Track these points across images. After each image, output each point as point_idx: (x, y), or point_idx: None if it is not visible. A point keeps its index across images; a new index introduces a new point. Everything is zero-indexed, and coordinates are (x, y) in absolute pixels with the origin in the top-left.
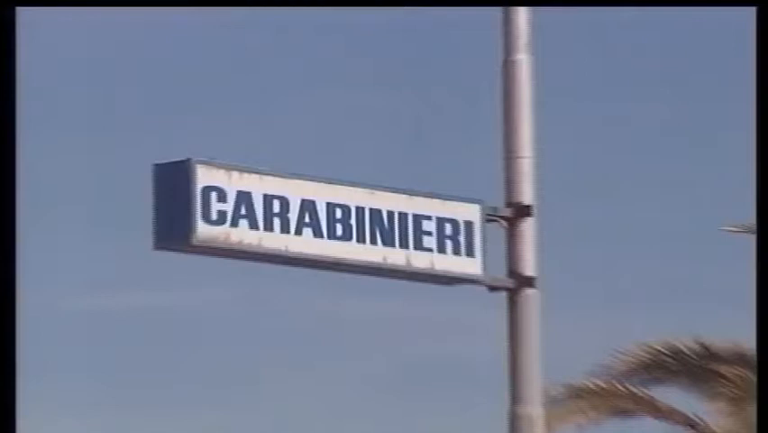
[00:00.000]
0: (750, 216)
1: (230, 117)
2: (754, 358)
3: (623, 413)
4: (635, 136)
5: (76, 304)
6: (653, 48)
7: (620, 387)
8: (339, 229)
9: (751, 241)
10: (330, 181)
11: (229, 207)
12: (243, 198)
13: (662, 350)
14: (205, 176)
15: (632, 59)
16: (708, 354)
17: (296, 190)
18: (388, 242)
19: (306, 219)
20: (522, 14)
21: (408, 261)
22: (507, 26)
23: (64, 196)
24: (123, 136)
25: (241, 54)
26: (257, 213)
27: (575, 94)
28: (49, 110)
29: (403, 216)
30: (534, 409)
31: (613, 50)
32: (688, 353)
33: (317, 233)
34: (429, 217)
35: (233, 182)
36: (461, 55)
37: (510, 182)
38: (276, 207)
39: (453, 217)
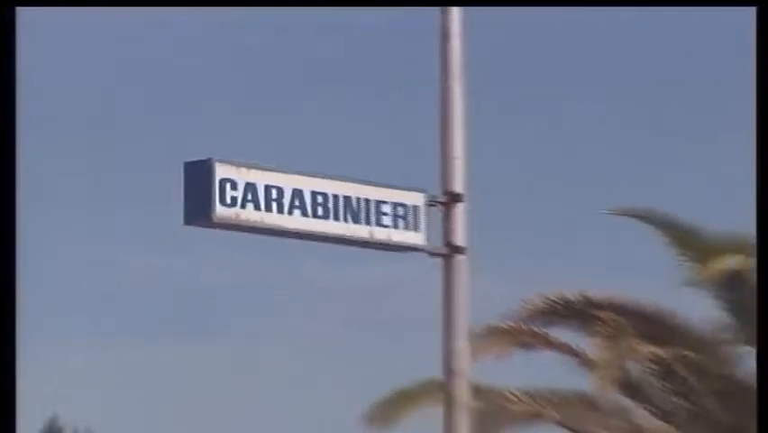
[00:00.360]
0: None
1: (230, 117)
2: (625, 305)
3: (526, 346)
4: (553, 136)
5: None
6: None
7: (525, 327)
8: (320, 211)
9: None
10: (314, 175)
11: (239, 194)
12: (250, 187)
13: (556, 300)
14: (221, 171)
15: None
16: (590, 303)
17: (289, 182)
18: (357, 220)
19: (296, 203)
20: (456, 32)
21: (371, 234)
22: (444, 46)
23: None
24: (125, 136)
25: (239, 55)
26: (260, 198)
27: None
28: (48, 109)
29: (367, 201)
30: (461, 343)
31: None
32: (575, 301)
33: (304, 213)
34: (386, 202)
35: (242, 175)
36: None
37: (446, 176)
38: (274, 194)
39: (404, 202)
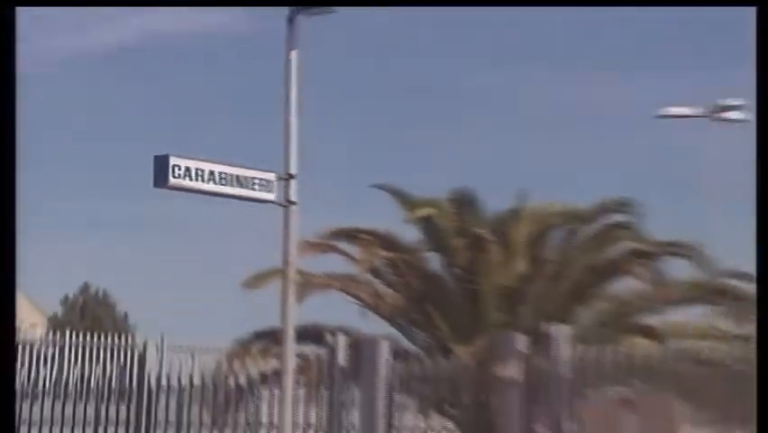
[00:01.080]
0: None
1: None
2: (374, 231)
3: (326, 250)
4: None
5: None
6: None
7: (326, 241)
8: (224, 182)
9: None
10: (220, 162)
11: (182, 172)
12: (187, 169)
13: (341, 228)
14: (173, 161)
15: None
16: (357, 230)
17: (207, 166)
18: (242, 186)
19: (211, 178)
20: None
21: (249, 194)
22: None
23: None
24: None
25: None
26: (192, 174)
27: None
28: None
29: (246, 177)
30: (293, 248)
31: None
32: (350, 229)
33: (215, 183)
34: (256, 178)
35: (183, 163)
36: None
37: (287, 163)
38: (199, 173)
39: (265, 178)
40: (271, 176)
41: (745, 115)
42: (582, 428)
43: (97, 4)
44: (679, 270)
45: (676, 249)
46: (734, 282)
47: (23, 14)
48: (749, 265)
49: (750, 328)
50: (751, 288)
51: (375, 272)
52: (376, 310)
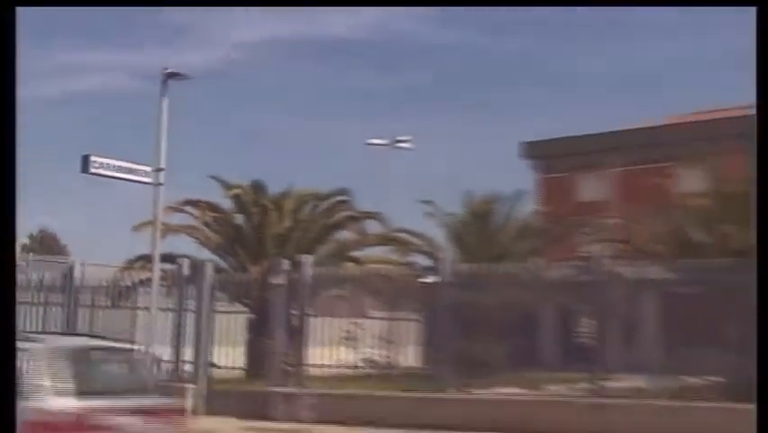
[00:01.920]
0: None
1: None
2: (208, 202)
3: (174, 211)
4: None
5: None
6: None
7: (174, 206)
8: (124, 171)
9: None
10: (121, 159)
11: (99, 164)
12: (103, 163)
13: (186, 200)
14: (93, 158)
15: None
16: (192, 201)
17: (114, 160)
18: (134, 174)
19: (112, 166)
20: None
21: (138, 177)
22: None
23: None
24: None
25: None
26: (105, 166)
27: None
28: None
29: (137, 170)
30: (160, 211)
31: None
32: (195, 201)
33: (118, 171)
34: (140, 169)
35: (100, 159)
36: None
37: (157, 160)
38: (112, 166)
39: (146, 168)
40: (149, 168)
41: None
42: (317, 311)
43: (97, 4)
44: (372, 227)
45: (370, 215)
46: (400, 234)
47: (23, 14)
48: (409, 224)
49: (408, 258)
50: (410, 237)
51: (206, 225)
52: (206, 246)
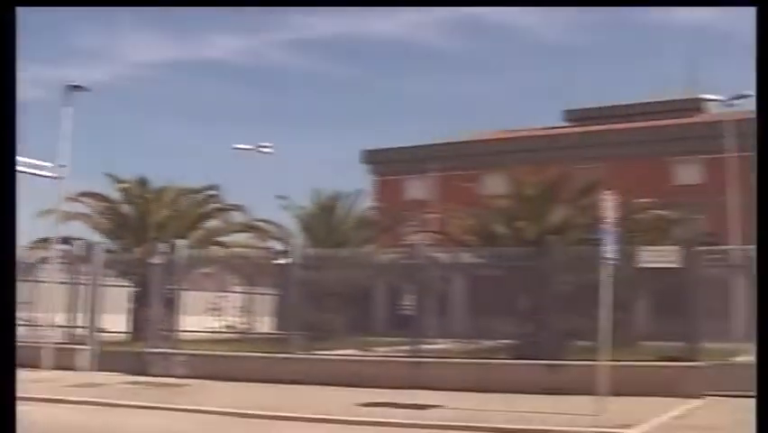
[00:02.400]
0: None
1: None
2: (114, 199)
3: (74, 201)
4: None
5: None
6: None
7: (74, 197)
8: (35, 167)
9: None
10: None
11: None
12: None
13: (84, 192)
14: None
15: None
16: (86, 194)
17: (31, 160)
18: (42, 169)
19: (37, 164)
20: None
21: (48, 173)
22: None
23: None
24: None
25: None
26: (19, 162)
27: None
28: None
29: (45, 165)
30: (60, 204)
31: None
32: (92, 193)
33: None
34: (48, 165)
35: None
36: None
37: (61, 158)
38: (30, 165)
39: (49, 165)
40: (51, 164)
41: (271, 150)
42: (189, 286)
43: (97, 4)
44: (236, 217)
45: (235, 207)
46: (259, 223)
47: (23, 14)
48: (267, 215)
49: (266, 243)
50: (268, 226)
51: (99, 213)
52: (98, 230)
